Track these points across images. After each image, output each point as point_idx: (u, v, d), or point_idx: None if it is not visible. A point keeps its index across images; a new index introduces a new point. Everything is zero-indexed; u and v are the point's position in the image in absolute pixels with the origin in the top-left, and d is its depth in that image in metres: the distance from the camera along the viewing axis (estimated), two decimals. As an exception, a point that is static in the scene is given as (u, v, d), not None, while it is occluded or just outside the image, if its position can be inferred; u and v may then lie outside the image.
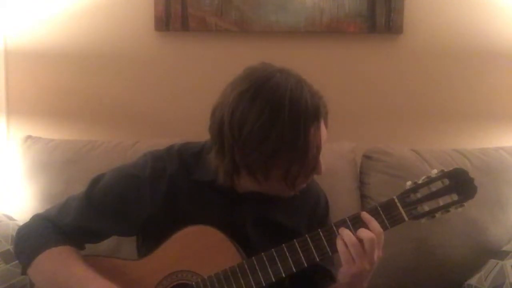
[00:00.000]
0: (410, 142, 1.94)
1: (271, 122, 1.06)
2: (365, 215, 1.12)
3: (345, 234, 1.10)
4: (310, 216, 1.33)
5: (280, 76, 1.10)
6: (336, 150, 1.80)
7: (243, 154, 1.09)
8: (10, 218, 1.70)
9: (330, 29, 2.00)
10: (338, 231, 1.12)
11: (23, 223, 1.33)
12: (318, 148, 1.12)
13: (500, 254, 1.61)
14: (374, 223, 1.10)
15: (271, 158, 1.09)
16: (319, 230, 1.14)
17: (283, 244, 1.14)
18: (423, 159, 1.75)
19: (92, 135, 2.01)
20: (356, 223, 1.12)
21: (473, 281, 1.60)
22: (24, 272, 1.25)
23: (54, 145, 1.82)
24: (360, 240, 1.09)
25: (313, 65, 2.02)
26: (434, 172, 1.12)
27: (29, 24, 2.03)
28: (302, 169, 1.12)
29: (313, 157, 1.12)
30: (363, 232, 1.09)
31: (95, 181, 1.28)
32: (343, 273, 1.14)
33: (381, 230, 1.11)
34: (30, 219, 1.32)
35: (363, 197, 1.78)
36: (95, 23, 2.03)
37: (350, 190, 1.77)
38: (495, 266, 1.56)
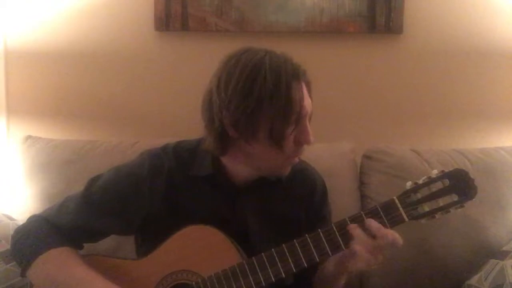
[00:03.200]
0: (410, 142, 1.94)
1: (253, 78, 1.12)
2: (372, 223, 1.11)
3: (374, 226, 1.09)
4: (308, 203, 1.34)
5: (259, 47, 1.18)
6: (336, 150, 1.80)
7: (230, 114, 1.14)
8: (10, 218, 1.70)
9: (330, 29, 2.00)
10: (337, 231, 1.12)
11: (22, 223, 1.32)
12: (303, 107, 1.14)
13: (500, 254, 1.60)
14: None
15: (255, 113, 1.12)
16: (319, 230, 1.13)
17: (283, 244, 1.14)
18: (423, 159, 1.75)
19: (92, 135, 2.01)
20: (357, 223, 1.11)
21: (473, 281, 1.60)
22: (23, 274, 1.24)
23: (54, 145, 1.82)
24: (373, 238, 1.08)
25: (313, 65, 1.98)
26: (435, 172, 1.12)
27: (29, 25, 2.04)
28: (286, 126, 1.14)
29: (297, 116, 1.14)
30: (374, 229, 1.09)
31: (93, 181, 1.29)
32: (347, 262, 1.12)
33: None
34: (27, 220, 1.31)
35: (363, 197, 1.78)
36: (95, 23, 2.03)
37: (350, 190, 1.77)
38: (495, 266, 1.56)
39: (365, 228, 1.09)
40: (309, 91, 1.20)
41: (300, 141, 1.18)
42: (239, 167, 1.23)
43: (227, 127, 1.15)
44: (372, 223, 1.09)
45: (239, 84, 1.12)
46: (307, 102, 1.17)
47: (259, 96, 1.11)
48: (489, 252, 1.65)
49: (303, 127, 1.17)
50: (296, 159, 1.22)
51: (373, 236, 1.08)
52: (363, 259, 1.08)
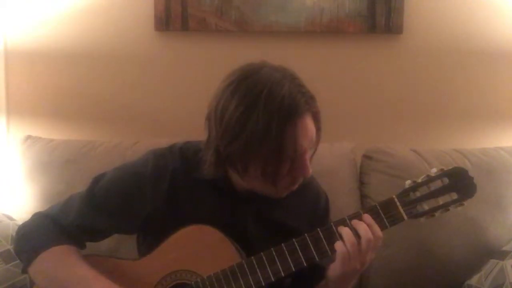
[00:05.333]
0: (410, 142, 1.93)
1: (247, 115, 1.07)
2: (368, 218, 1.11)
3: (345, 232, 1.11)
4: (310, 216, 1.33)
5: (265, 72, 1.11)
6: (336, 150, 1.80)
7: (224, 145, 1.11)
8: (10, 218, 1.70)
9: (330, 29, 2.00)
10: (337, 230, 1.12)
11: (25, 221, 1.32)
12: (299, 147, 1.10)
13: (500, 254, 1.60)
14: (375, 228, 1.11)
15: (247, 151, 1.09)
16: (319, 229, 1.14)
17: (283, 244, 1.14)
18: (423, 159, 1.75)
19: (92, 135, 2.01)
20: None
21: (473, 281, 1.60)
22: (25, 271, 1.25)
23: (54, 145, 1.82)
24: (358, 238, 1.09)
25: (313, 65, 2.02)
26: (434, 171, 1.12)
27: (29, 24, 2.03)
28: (280, 167, 1.11)
29: (292, 157, 1.10)
30: (362, 230, 1.10)
31: (97, 180, 1.29)
32: (334, 269, 1.14)
33: (381, 235, 1.11)
34: (31, 217, 1.31)
35: (363, 197, 1.78)
36: (95, 23, 2.03)
37: (350, 190, 1.77)
38: (495, 266, 1.56)
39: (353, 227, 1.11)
40: (317, 120, 1.13)
41: (297, 176, 1.15)
42: (234, 177, 1.21)
43: (222, 154, 1.13)
44: (359, 225, 1.10)
45: (231, 121, 1.08)
46: (306, 139, 1.11)
47: (250, 137, 1.07)
48: (489, 252, 1.65)
49: (300, 163, 1.12)
50: (295, 187, 1.19)
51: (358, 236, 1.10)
52: (345, 258, 1.09)
